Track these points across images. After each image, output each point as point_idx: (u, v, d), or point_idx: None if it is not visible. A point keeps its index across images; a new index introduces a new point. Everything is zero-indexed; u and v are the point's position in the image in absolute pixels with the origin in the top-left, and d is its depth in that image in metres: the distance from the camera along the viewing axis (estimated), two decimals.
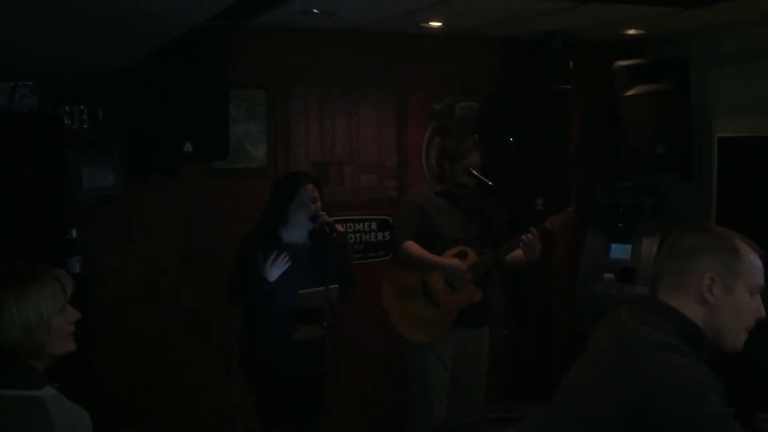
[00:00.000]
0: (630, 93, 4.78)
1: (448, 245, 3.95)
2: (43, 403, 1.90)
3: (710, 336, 1.77)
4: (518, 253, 3.89)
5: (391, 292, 4.04)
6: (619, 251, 4.98)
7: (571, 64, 4.90)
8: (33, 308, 1.98)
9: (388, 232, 4.90)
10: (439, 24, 4.39)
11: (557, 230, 3.97)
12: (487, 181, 3.90)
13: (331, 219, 3.50)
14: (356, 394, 4.74)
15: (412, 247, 3.93)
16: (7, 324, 1.97)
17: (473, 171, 3.92)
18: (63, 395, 2.01)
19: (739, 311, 1.78)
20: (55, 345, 2.03)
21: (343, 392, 3.91)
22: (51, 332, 2.00)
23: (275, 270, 3.42)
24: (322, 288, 3.31)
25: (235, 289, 3.58)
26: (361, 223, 4.91)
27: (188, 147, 3.87)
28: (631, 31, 4.72)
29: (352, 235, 4.87)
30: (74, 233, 3.69)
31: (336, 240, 3.46)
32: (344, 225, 4.80)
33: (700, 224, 1.87)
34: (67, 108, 4.08)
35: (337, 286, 3.40)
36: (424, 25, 4.40)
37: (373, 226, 4.94)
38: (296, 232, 3.56)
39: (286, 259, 3.44)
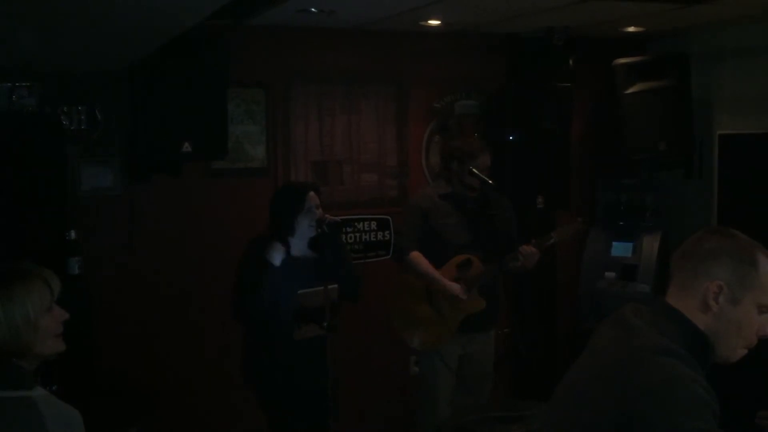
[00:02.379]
0: (631, 90, 4.77)
1: (453, 250, 3.93)
2: (35, 403, 1.90)
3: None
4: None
5: (396, 299, 4.04)
6: (621, 249, 4.98)
7: (571, 61, 4.89)
8: (19, 308, 1.98)
9: (388, 232, 4.88)
10: (438, 22, 4.38)
11: (565, 241, 3.94)
12: (487, 179, 3.88)
13: (336, 219, 3.54)
14: (359, 394, 4.73)
15: (418, 260, 3.92)
16: None
17: (474, 170, 3.90)
18: (56, 396, 2.01)
19: (741, 326, 1.71)
20: (43, 345, 2.03)
21: (346, 392, 3.90)
22: (38, 332, 2.00)
23: (277, 255, 3.44)
24: (322, 288, 3.30)
25: (239, 309, 3.58)
26: (361, 223, 4.88)
27: (187, 147, 3.86)
28: (632, 28, 4.71)
29: (352, 234, 4.85)
30: (73, 234, 3.67)
31: (339, 236, 3.49)
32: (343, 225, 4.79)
33: (728, 229, 1.79)
34: (65, 108, 4.08)
35: (336, 286, 3.40)
36: (424, 23, 4.39)
37: (373, 225, 4.91)
38: (300, 242, 3.56)
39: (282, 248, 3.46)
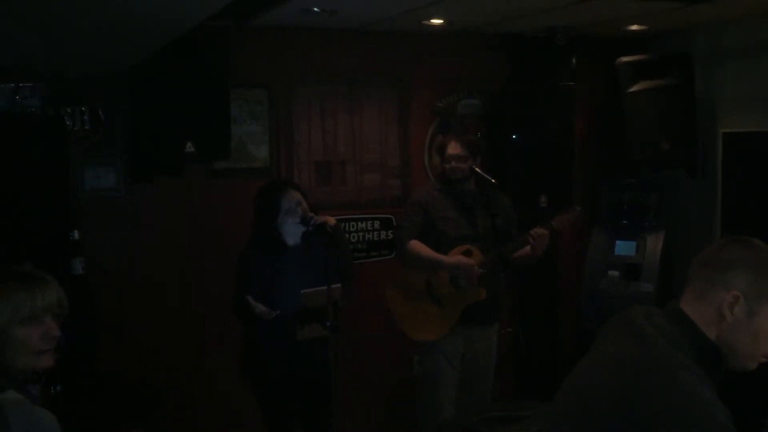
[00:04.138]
0: (634, 89, 4.76)
1: (453, 243, 3.93)
2: (1, 407, 1.79)
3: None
4: (525, 249, 3.88)
5: (396, 292, 4.04)
6: (624, 248, 4.97)
7: (574, 60, 4.88)
8: None
9: (391, 231, 4.89)
10: (441, 21, 4.38)
11: (564, 230, 3.94)
12: (489, 178, 3.89)
13: (322, 218, 3.50)
14: (361, 394, 4.73)
15: (417, 246, 3.91)
16: None
17: (476, 169, 3.92)
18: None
19: (756, 338, 1.68)
20: (16, 358, 1.89)
21: (348, 392, 3.91)
22: (9, 342, 1.87)
23: (267, 313, 3.45)
24: (325, 287, 3.30)
25: (238, 308, 3.59)
26: (364, 222, 4.90)
27: (190, 147, 3.87)
28: (634, 27, 4.70)
29: (355, 234, 4.86)
30: (76, 234, 3.68)
31: (332, 234, 3.48)
32: (347, 224, 4.79)
33: (751, 239, 1.75)
34: (68, 109, 4.09)
35: (339, 285, 3.40)
36: (426, 22, 4.39)
37: (376, 225, 4.93)
38: (290, 237, 3.57)
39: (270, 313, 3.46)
